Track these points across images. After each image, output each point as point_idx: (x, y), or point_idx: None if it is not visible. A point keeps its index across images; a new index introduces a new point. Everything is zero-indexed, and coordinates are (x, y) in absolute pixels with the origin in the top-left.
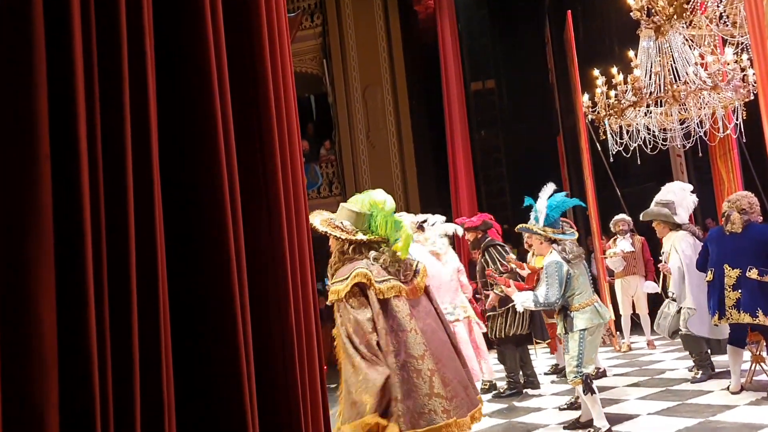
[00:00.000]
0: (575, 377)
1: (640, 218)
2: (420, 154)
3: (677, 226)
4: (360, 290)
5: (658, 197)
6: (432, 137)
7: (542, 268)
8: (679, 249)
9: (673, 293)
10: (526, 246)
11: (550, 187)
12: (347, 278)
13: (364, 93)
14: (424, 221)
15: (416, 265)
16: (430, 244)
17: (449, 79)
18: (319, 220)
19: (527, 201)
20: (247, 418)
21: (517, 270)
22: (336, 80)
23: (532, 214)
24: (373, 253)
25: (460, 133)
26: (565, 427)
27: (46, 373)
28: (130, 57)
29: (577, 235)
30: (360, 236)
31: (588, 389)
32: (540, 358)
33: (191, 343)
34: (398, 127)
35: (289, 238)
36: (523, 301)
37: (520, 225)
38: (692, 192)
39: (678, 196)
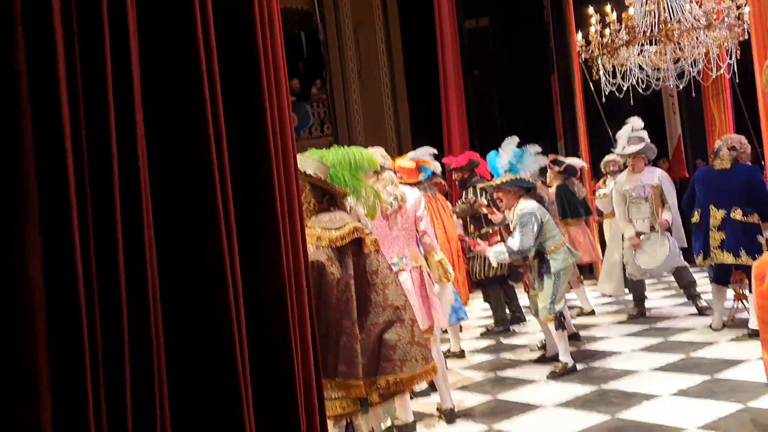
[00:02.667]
0: (548, 314)
1: (620, 154)
2: (412, 93)
3: (653, 163)
4: (344, 248)
5: (633, 132)
6: (425, 76)
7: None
8: (669, 186)
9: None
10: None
11: (513, 141)
12: (341, 228)
13: (356, 31)
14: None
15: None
16: (386, 193)
17: (443, 17)
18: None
19: (492, 156)
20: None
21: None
22: (327, 17)
23: (501, 169)
24: (349, 205)
25: (453, 72)
26: (533, 362)
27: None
28: None
29: (524, 174)
30: (324, 184)
31: (560, 326)
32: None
33: (178, 283)
34: (390, 66)
35: (277, 181)
36: (496, 253)
37: (485, 184)
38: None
39: (640, 130)
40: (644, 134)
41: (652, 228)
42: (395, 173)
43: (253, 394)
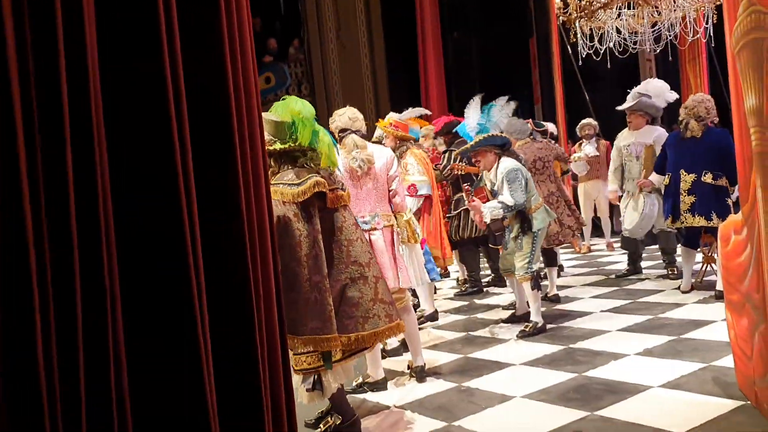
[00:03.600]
0: (525, 273)
1: (619, 108)
2: (391, 55)
3: (653, 121)
4: (308, 203)
5: (639, 89)
6: (404, 37)
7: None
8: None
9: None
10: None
11: (476, 102)
12: (302, 183)
13: None
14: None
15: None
16: (350, 159)
17: None
18: None
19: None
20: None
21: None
22: None
23: (472, 132)
24: (302, 161)
25: (432, 34)
26: (503, 321)
27: None
28: None
29: (492, 131)
30: (278, 146)
31: (536, 286)
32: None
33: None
34: (369, 28)
35: (240, 144)
36: (491, 209)
37: (461, 149)
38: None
39: (658, 90)
40: (649, 91)
41: (641, 189)
42: (393, 127)
43: (213, 351)
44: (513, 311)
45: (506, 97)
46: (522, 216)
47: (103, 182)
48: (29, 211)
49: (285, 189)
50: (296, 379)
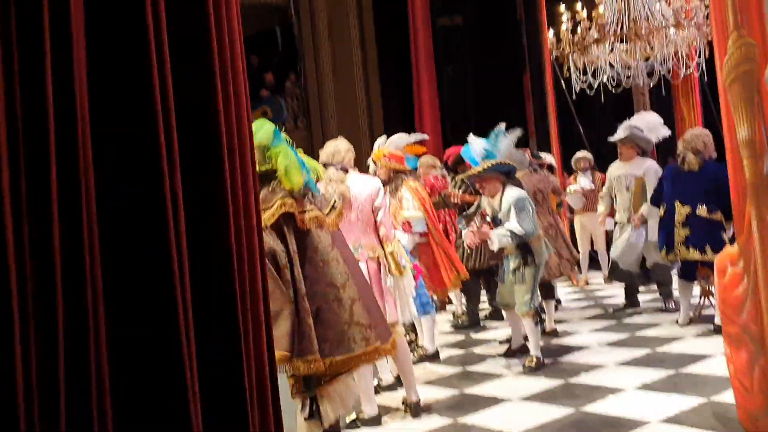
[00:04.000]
0: (528, 309)
1: (610, 140)
2: (386, 89)
3: (644, 154)
4: (279, 224)
5: (631, 122)
6: (399, 72)
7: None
8: (654, 181)
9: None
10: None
11: (473, 140)
12: (271, 206)
13: (330, 25)
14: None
15: (333, 203)
16: (332, 189)
17: (416, 14)
18: None
19: (466, 149)
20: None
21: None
22: (302, 12)
23: (478, 157)
24: (273, 184)
25: (426, 68)
26: (499, 355)
27: None
28: None
29: (500, 158)
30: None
31: (538, 321)
32: None
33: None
34: (364, 62)
35: (232, 182)
36: (499, 236)
37: (463, 174)
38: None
39: (651, 124)
40: (640, 124)
41: (629, 220)
42: (387, 158)
43: (199, 374)
44: (508, 345)
45: (517, 130)
46: (524, 247)
47: (87, 190)
48: (10, 221)
49: None
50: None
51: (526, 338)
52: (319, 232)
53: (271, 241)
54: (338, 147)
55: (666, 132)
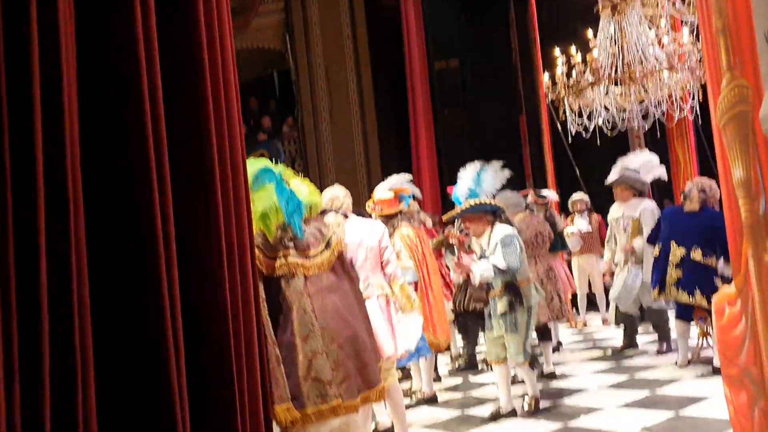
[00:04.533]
0: (524, 359)
1: (607, 182)
2: (383, 132)
3: (640, 194)
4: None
5: (626, 163)
6: (395, 116)
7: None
8: (650, 222)
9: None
10: (467, 230)
11: (471, 168)
12: None
13: (327, 70)
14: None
15: (329, 238)
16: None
17: (413, 58)
18: None
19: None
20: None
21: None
22: (299, 57)
23: (462, 197)
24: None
25: (423, 112)
26: (487, 417)
27: None
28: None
29: (485, 199)
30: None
31: (535, 365)
32: None
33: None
34: (361, 105)
35: (226, 227)
36: (482, 271)
37: (449, 213)
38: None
39: (646, 164)
40: (635, 165)
41: (626, 261)
42: (375, 205)
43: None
44: (496, 409)
45: (500, 163)
46: (513, 289)
47: (76, 206)
48: None
49: None
50: None
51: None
52: (289, 278)
53: None
54: (336, 194)
55: (662, 171)
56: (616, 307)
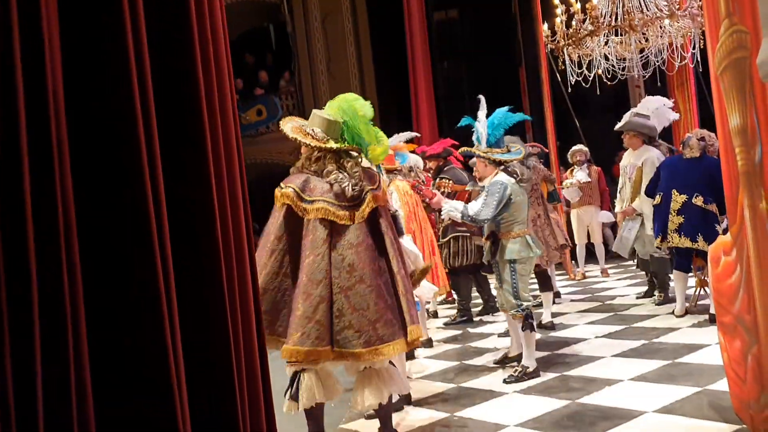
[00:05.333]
0: (516, 311)
1: (615, 128)
2: (381, 85)
3: (650, 141)
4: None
5: (636, 109)
6: (393, 67)
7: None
8: (650, 171)
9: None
10: (475, 171)
11: (483, 104)
12: (282, 190)
13: (324, 22)
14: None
15: (365, 192)
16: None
17: (411, 8)
18: (290, 126)
19: (465, 120)
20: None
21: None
22: (294, 8)
23: (474, 136)
24: (331, 167)
25: (422, 63)
26: (494, 362)
27: None
28: None
29: (523, 152)
30: (331, 144)
31: (528, 326)
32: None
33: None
34: (359, 58)
35: (218, 183)
36: (449, 209)
37: (463, 148)
38: (671, 108)
39: (656, 109)
40: (645, 111)
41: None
42: None
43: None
44: (506, 352)
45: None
46: (493, 238)
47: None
48: None
49: (330, 208)
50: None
51: None
52: (317, 223)
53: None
54: None
55: (674, 115)
56: (638, 257)
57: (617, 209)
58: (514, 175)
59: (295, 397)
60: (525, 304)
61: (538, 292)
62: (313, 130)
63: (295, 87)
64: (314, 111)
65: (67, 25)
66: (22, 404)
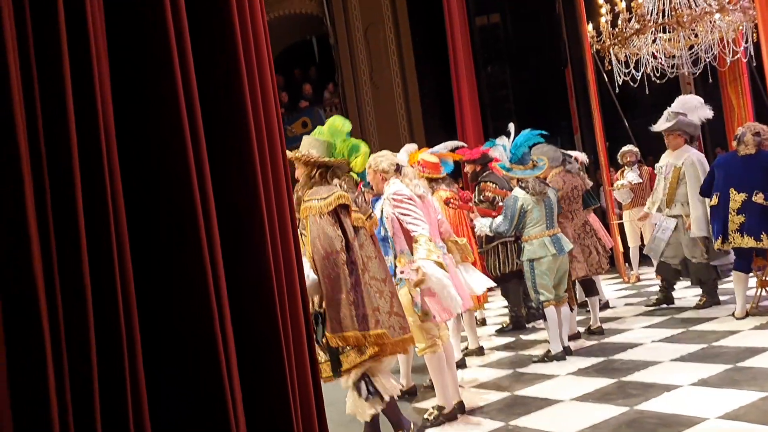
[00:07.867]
0: (537, 304)
1: (653, 129)
2: (425, 93)
3: (691, 140)
4: (336, 212)
5: (672, 108)
6: (437, 76)
7: None
8: (691, 172)
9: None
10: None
11: (512, 130)
12: (328, 197)
13: (366, 33)
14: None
15: (370, 213)
16: (413, 186)
17: (452, 15)
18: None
19: (488, 143)
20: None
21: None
22: (337, 20)
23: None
24: (336, 181)
25: (465, 70)
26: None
27: None
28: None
29: (547, 167)
30: (327, 159)
31: (541, 316)
32: None
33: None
34: (402, 67)
35: (264, 185)
36: (481, 225)
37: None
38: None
39: (691, 107)
40: (681, 109)
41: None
42: (420, 166)
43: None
44: (547, 351)
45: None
46: (516, 240)
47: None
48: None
49: (317, 204)
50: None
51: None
52: (363, 231)
53: (325, 223)
54: (392, 155)
55: (709, 112)
56: (659, 262)
57: (645, 209)
58: (527, 190)
59: (374, 394)
60: (541, 297)
61: (584, 298)
62: (308, 151)
63: (339, 98)
64: (304, 137)
65: (115, 51)
66: (79, 400)
